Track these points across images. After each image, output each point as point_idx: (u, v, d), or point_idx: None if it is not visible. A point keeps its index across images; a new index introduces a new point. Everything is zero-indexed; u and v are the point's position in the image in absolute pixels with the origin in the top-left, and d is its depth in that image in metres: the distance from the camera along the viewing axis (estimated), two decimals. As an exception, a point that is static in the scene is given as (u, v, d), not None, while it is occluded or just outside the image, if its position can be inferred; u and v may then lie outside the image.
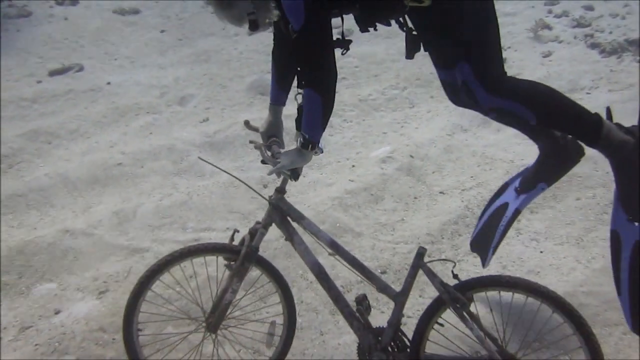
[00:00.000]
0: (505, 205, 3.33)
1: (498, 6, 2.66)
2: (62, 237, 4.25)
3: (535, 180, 3.13)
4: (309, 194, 4.83)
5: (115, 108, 6.38)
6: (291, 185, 4.81)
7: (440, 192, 4.82)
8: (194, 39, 8.56)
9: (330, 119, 5.85)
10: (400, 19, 2.69)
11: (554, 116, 2.59)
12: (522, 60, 7.58)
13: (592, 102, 6.20)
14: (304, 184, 4.95)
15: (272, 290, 2.99)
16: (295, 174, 2.66)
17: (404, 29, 2.72)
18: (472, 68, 2.57)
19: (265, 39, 8.09)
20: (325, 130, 5.04)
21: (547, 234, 4.26)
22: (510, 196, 3.31)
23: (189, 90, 6.88)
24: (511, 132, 5.71)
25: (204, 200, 4.72)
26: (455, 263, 2.66)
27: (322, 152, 2.82)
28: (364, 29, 2.72)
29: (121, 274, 3.92)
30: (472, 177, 5.02)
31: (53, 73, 7.35)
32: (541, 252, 4.07)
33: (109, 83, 7.03)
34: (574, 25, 8.63)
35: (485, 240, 3.39)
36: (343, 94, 6.65)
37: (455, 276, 2.56)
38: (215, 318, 2.81)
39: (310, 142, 2.54)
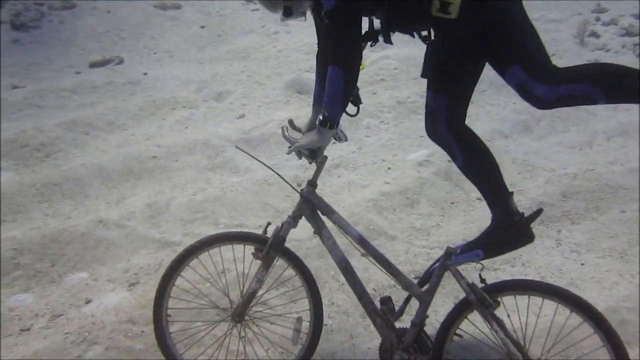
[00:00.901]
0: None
1: (543, 12, 2.60)
2: (95, 227, 4.24)
3: (474, 245, 3.02)
4: (344, 194, 4.75)
5: (153, 101, 6.40)
6: (326, 186, 4.80)
7: (478, 199, 4.69)
8: (234, 36, 8.58)
9: (368, 119, 5.82)
10: (425, 32, 2.73)
11: (620, 86, 2.46)
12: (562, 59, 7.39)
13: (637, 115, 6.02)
14: (339, 185, 4.89)
15: (299, 284, 2.96)
16: (313, 154, 2.67)
17: (427, 42, 2.77)
18: (523, 68, 2.52)
19: (305, 37, 8.07)
20: (363, 131, 5.03)
21: (589, 246, 4.11)
22: None
23: (227, 86, 6.87)
24: (553, 140, 5.63)
25: (237, 196, 4.68)
26: (483, 266, 2.65)
27: (346, 139, 2.92)
28: (387, 37, 2.77)
29: (152, 267, 3.89)
30: (511, 184, 4.85)
31: (93, 65, 7.42)
32: (582, 264, 3.93)
33: (145, 74, 7.06)
34: (622, 34, 8.41)
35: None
36: (382, 95, 6.57)
37: (482, 280, 2.52)
38: (239, 307, 2.83)
39: (328, 120, 2.53)
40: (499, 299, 2.49)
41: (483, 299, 2.45)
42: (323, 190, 4.73)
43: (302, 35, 8.13)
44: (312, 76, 6.07)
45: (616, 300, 3.51)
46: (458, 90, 2.92)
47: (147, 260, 3.97)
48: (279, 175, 2.95)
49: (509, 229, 2.86)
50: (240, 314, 2.83)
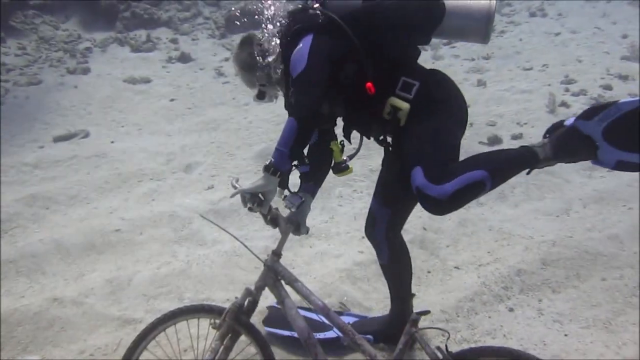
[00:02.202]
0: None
1: (513, 83, 2.58)
2: (50, 306, 3.97)
3: (368, 327, 3.28)
4: (316, 264, 4.55)
5: (119, 174, 6.22)
6: (297, 256, 4.60)
7: (455, 267, 4.53)
8: (204, 108, 8.52)
9: (340, 189, 5.69)
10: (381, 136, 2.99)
11: (501, 163, 2.58)
12: (539, 137, 7.41)
13: (612, 182, 6.00)
14: (311, 255, 4.69)
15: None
16: (259, 202, 2.62)
17: (384, 145, 3.04)
18: (423, 170, 2.54)
19: (276, 108, 8.02)
20: (335, 200, 4.88)
21: (572, 315, 3.93)
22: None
23: (196, 157, 6.73)
24: (529, 207, 5.54)
25: (204, 269, 4.45)
26: (449, 334, 2.57)
27: (307, 232, 3.11)
28: (347, 135, 3.10)
29: (110, 347, 3.61)
30: (488, 252, 4.74)
31: (57, 139, 7.26)
32: (565, 335, 3.73)
33: (112, 142, 6.90)
34: (592, 104, 8.52)
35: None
36: (354, 164, 6.44)
37: (446, 348, 2.42)
38: None
39: (273, 165, 2.56)
40: None
41: None
42: (294, 260, 4.53)
43: (273, 106, 8.06)
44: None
45: (604, 373, 3.33)
46: (402, 207, 3.25)
47: (105, 340, 3.69)
48: (244, 244, 2.90)
49: (400, 326, 2.75)
50: None
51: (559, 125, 2.58)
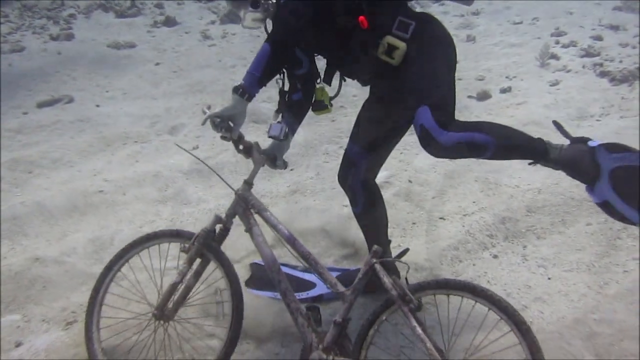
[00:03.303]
0: (312, 285, 3.56)
1: (502, 37, 2.53)
2: (31, 265, 3.93)
3: (351, 278, 3.14)
4: (301, 220, 4.52)
5: (102, 137, 6.15)
6: (282, 211, 4.56)
7: (440, 218, 4.50)
8: (189, 71, 8.41)
9: (327, 145, 5.63)
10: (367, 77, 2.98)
11: (510, 140, 2.57)
12: (528, 89, 7.35)
13: (603, 129, 5.95)
14: (296, 211, 4.65)
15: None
16: (229, 128, 2.68)
17: (369, 85, 3.08)
18: (431, 111, 2.55)
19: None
20: (321, 157, 4.84)
21: (556, 260, 3.91)
22: (320, 282, 3.48)
23: (181, 119, 6.66)
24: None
25: (188, 226, 4.42)
26: (408, 267, 2.52)
27: (286, 167, 3.22)
28: (329, 77, 3.05)
29: (92, 304, 3.58)
30: (474, 202, 4.71)
31: (41, 105, 7.16)
32: (549, 278, 3.72)
33: (98, 106, 6.83)
34: (582, 55, 8.43)
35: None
36: (341, 122, 6.42)
37: (406, 281, 2.44)
38: (161, 304, 2.79)
39: (242, 87, 2.60)
40: (420, 299, 2.41)
41: (404, 294, 2.35)
42: (279, 216, 4.49)
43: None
44: (269, 106, 5.91)
45: (584, 312, 3.31)
46: (381, 150, 3.24)
47: (88, 297, 3.66)
48: (215, 171, 3.00)
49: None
50: (163, 311, 2.78)
51: (583, 140, 2.53)
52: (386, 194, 4.75)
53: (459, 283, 2.40)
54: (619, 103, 6.67)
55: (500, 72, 7.92)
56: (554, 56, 8.36)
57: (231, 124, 2.66)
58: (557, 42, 8.98)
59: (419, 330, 2.30)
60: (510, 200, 4.62)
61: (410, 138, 5.92)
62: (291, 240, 2.71)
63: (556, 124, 2.60)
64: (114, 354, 2.99)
